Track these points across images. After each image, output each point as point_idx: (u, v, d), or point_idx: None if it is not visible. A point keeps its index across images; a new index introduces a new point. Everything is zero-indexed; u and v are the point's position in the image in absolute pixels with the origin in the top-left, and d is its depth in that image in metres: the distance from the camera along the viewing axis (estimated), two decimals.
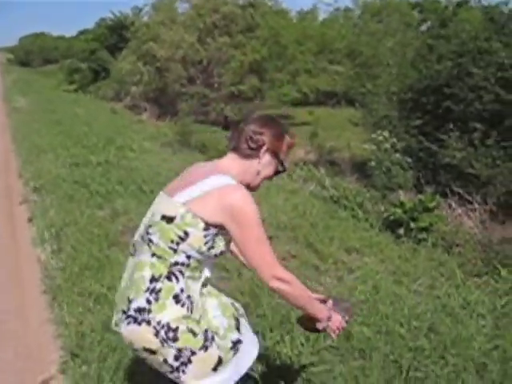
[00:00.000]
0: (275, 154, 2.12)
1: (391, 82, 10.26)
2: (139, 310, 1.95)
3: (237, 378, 2.08)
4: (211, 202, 1.93)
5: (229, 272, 4.42)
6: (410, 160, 7.95)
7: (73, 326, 3.64)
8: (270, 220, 5.88)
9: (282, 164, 2.16)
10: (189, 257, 1.96)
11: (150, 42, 19.80)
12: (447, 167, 8.39)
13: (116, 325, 2.08)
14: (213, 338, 2.00)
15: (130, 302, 1.98)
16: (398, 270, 4.82)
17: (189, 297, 1.98)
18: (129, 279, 2.04)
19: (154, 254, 1.98)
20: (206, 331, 1.99)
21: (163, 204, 2.02)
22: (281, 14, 22.55)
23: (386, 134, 8.02)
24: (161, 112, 19.21)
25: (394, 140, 7.93)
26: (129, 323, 1.97)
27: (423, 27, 13.58)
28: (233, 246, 2.18)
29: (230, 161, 2.11)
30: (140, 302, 1.95)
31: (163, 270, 1.95)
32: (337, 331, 2.14)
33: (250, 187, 2.11)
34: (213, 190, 1.94)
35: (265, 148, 2.09)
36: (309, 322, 2.18)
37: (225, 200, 1.92)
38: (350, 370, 3.19)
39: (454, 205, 7.41)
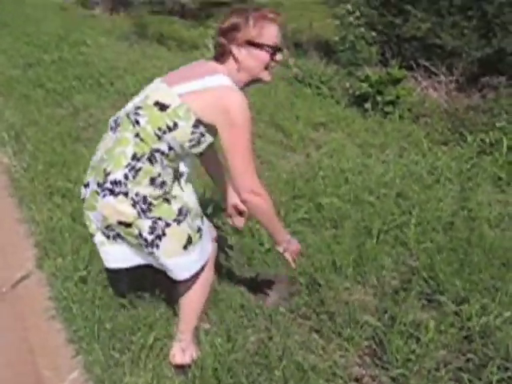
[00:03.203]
0: (248, 42, 1.99)
1: None
2: (116, 183, 1.95)
3: (203, 262, 2.15)
4: (208, 99, 1.92)
5: None
6: (374, 34, 7.72)
7: (43, 223, 3.60)
8: None
9: (269, 47, 2.00)
10: (170, 148, 1.98)
11: None
12: (412, 40, 8.21)
13: (84, 200, 2.11)
14: (186, 215, 2.05)
15: (107, 174, 1.96)
16: (365, 143, 4.84)
17: (163, 183, 2.00)
18: (106, 153, 2.02)
19: (137, 135, 1.97)
20: (180, 208, 2.03)
21: (160, 91, 1.99)
22: None
23: (349, 6, 7.71)
24: (114, 5, 18.16)
25: (358, 13, 7.65)
26: (104, 196, 1.97)
27: None
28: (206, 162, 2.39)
29: (218, 65, 2.06)
30: (118, 175, 1.94)
31: (146, 151, 1.95)
32: (294, 255, 2.27)
33: (245, 86, 2.10)
34: (211, 88, 1.94)
35: (232, 45, 2.01)
36: None
37: (222, 101, 1.91)
38: (323, 239, 3.26)
39: (419, 78, 7.34)
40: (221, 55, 2.04)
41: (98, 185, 1.98)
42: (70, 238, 3.33)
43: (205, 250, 2.17)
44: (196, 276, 2.16)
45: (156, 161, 1.97)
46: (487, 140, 4.98)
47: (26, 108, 6.09)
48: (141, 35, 10.67)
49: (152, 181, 1.97)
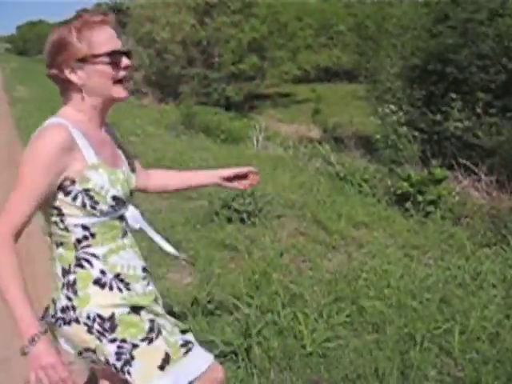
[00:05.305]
0: (80, 60, 1.57)
1: (397, 53, 10.11)
2: (63, 310, 1.63)
3: (184, 382, 1.70)
4: None
5: (239, 251, 4.45)
6: (416, 134, 7.89)
7: None
8: (278, 199, 5.90)
9: (106, 55, 1.58)
10: (84, 227, 1.61)
11: (147, 23, 19.65)
12: (452, 139, 8.36)
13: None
14: (159, 330, 1.69)
15: (54, 303, 1.68)
16: (407, 244, 4.84)
17: (117, 275, 1.67)
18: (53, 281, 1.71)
19: (57, 244, 1.65)
20: (151, 320, 1.69)
21: None
22: None
23: (392, 107, 7.94)
24: (163, 96, 19.16)
25: (401, 113, 7.87)
26: (60, 325, 1.65)
27: None
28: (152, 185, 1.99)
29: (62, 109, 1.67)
30: (62, 302, 1.64)
31: (71, 258, 1.63)
32: (40, 374, 1.46)
33: (102, 108, 1.71)
34: None
35: (65, 72, 1.59)
36: None
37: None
38: (365, 343, 3.23)
39: (460, 177, 7.41)
40: (63, 90, 1.65)
41: (52, 316, 1.68)
42: None
43: (191, 367, 1.71)
44: None
45: (86, 260, 1.63)
46: None
47: None
48: (188, 125, 11.13)
49: (98, 283, 1.63)
